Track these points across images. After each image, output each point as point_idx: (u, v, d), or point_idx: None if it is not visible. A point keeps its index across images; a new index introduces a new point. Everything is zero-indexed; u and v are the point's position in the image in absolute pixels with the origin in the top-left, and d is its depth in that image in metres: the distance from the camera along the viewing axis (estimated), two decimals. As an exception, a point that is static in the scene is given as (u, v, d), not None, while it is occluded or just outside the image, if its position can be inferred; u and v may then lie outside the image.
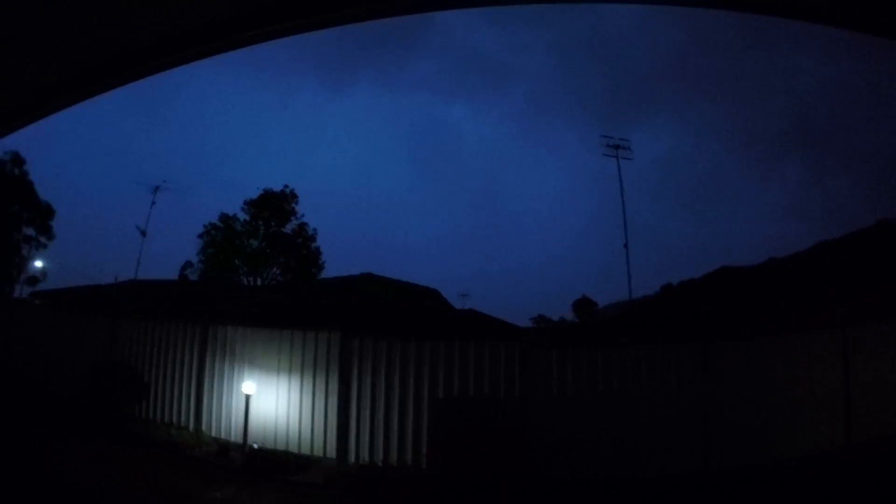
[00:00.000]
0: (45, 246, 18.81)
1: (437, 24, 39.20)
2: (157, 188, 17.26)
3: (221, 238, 18.91)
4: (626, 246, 16.32)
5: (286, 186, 19.98)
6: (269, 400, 10.76)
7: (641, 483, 9.07)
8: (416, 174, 41.48)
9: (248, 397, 10.54)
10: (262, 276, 19.16)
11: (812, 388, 9.93)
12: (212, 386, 11.48)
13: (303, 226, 19.63)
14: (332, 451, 10.30)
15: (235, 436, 10.84)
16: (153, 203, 17.00)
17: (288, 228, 19.51)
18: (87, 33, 1.84)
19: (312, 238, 19.54)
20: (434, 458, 9.42)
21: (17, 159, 18.26)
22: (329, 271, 19.47)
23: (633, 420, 9.79)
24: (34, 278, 18.95)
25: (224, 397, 11.31)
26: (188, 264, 19.11)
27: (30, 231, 18.83)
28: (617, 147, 16.65)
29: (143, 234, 16.41)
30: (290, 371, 10.77)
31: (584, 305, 18.53)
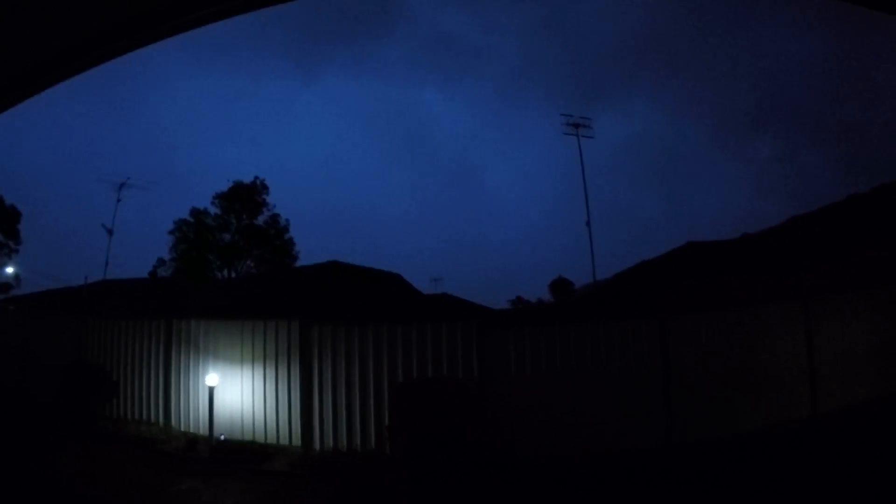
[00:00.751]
0: (16, 251, 18.64)
1: (405, 6, 38.81)
2: (122, 185, 17.13)
3: (193, 233, 18.83)
4: (588, 224, 16.39)
5: (257, 178, 19.91)
6: (233, 391, 10.80)
7: (604, 459, 9.14)
8: (390, 159, 41.41)
9: (211, 389, 10.57)
10: (236, 270, 19.12)
11: (776, 360, 9.98)
12: (178, 380, 11.51)
13: (275, 217, 19.59)
14: (297, 439, 10.37)
15: (203, 428, 10.87)
16: (118, 200, 16.87)
17: (260, 220, 19.46)
18: (54, 14, 1.78)
19: (285, 229, 19.50)
20: (396, 442, 9.47)
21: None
22: (304, 260, 19.45)
23: (594, 397, 9.82)
24: (7, 285, 18.78)
25: (191, 391, 11.34)
26: (161, 261, 19.01)
27: (-2, 237, 18.63)
28: (577, 126, 16.62)
29: (110, 232, 16.33)
30: (252, 362, 10.79)
31: (560, 286, 18.57)
